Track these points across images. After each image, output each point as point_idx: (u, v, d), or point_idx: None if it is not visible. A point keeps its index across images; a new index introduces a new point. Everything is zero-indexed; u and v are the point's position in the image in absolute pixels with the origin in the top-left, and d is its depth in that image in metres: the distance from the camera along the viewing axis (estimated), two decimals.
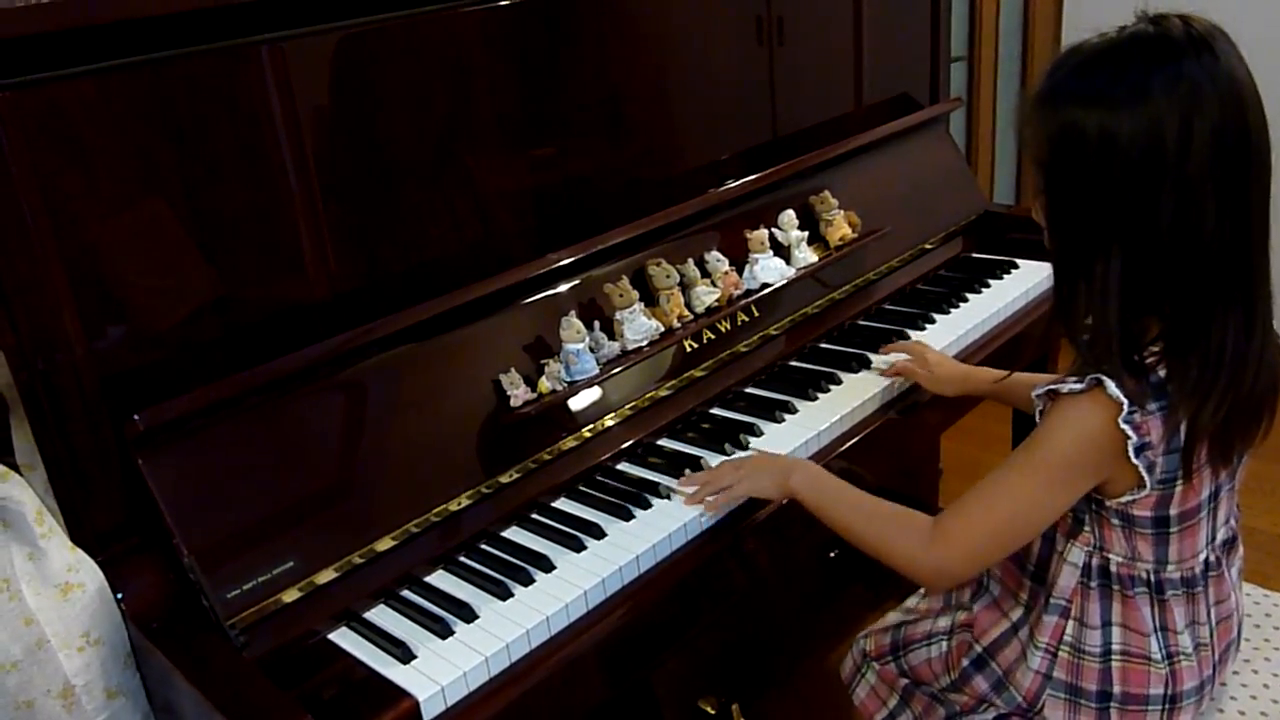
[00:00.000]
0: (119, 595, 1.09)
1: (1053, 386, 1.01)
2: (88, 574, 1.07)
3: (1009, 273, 1.86)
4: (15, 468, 1.11)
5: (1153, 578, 1.07)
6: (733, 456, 1.34)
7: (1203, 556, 1.08)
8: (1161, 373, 0.98)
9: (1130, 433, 0.97)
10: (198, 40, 1.11)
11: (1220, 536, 1.10)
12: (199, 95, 1.11)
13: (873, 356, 1.56)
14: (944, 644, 1.24)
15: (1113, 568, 1.08)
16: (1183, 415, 0.98)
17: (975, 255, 1.97)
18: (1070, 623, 1.10)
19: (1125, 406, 0.96)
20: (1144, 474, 0.99)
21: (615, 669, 1.16)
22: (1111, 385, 0.96)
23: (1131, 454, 0.97)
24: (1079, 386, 0.98)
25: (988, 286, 1.82)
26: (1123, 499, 1.03)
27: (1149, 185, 0.93)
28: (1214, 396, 0.96)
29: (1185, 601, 1.09)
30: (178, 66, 1.09)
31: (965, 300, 1.77)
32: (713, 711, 1.67)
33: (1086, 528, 1.08)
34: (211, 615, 1.04)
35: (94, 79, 1.04)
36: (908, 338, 1.62)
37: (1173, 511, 1.04)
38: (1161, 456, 0.99)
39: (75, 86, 1.02)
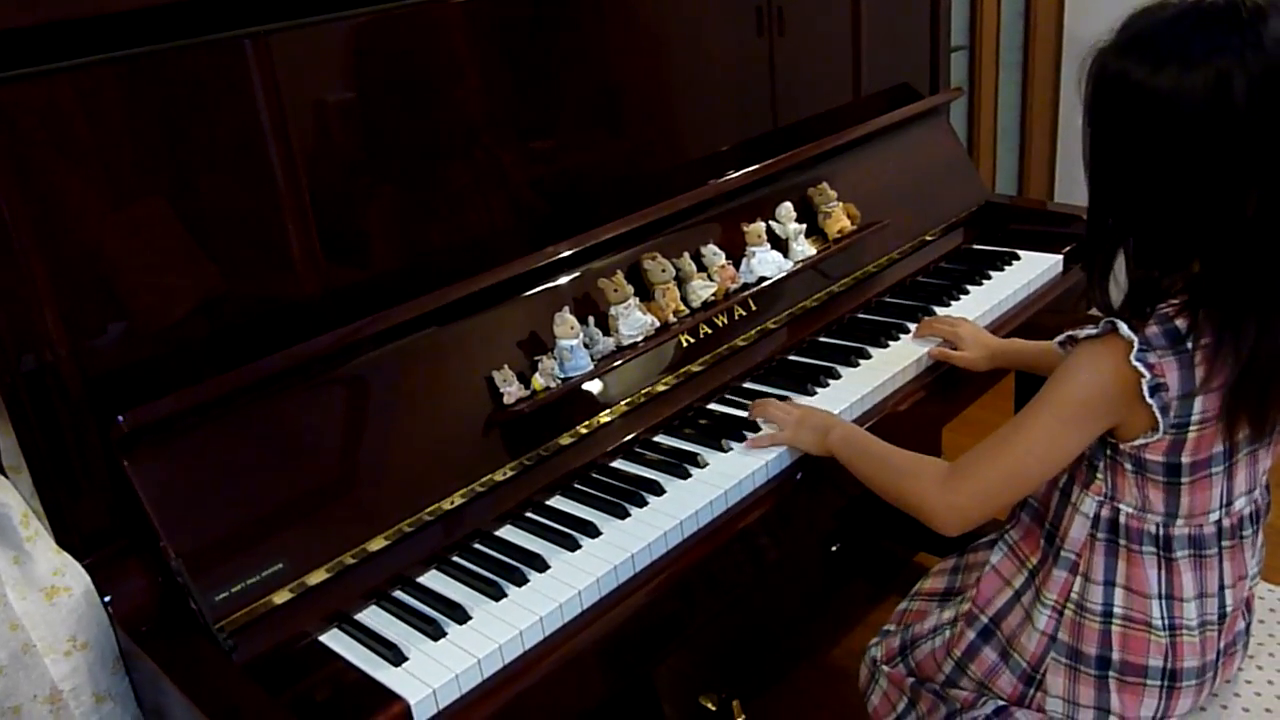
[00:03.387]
0: (106, 599, 1.07)
1: (1072, 333, 1.07)
2: (74, 577, 1.06)
3: (1010, 264, 1.84)
4: (1, 470, 1.09)
5: (1161, 531, 1.08)
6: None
7: (1214, 517, 1.08)
8: (1180, 323, 1.00)
9: (1143, 370, 0.99)
10: (183, 34, 1.09)
11: (1239, 505, 1.09)
12: (184, 90, 1.09)
13: (875, 350, 1.55)
14: (948, 631, 1.25)
15: (1122, 519, 1.09)
16: (1222, 356, 0.99)
17: (976, 247, 1.95)
18: (1077, 579, 1.12)
19: (1136, 345, 0.99)
20: (1157, 415, 1.01)
21: (612, 669, 1.15)
22: (1123, 326, 1.00)
23: (1146, 393, 1.00)
24: (1094, 331, 1.03)
25: (989, 278, 1.80)
26: (1136, 442, 1.04)
27: (1184, 136, 0.95)
28: (1250, 327, 0.98)
29: (1194, 566, 1.09)
30: (162, 61, 1.07)
31: (966, 292, 1.75)
32: (713, 708, 1.66)
33: (1100, 475, 1.09)
34: (200, 618, 1.03)
35: (79, 74, 1.02)
36: (908, 331, 1.61)
37: (1185, 460, 1.04)
38: (1176, 400, 1.01)
39: (59, 82, 1.01)
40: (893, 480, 1.18)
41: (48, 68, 1.00)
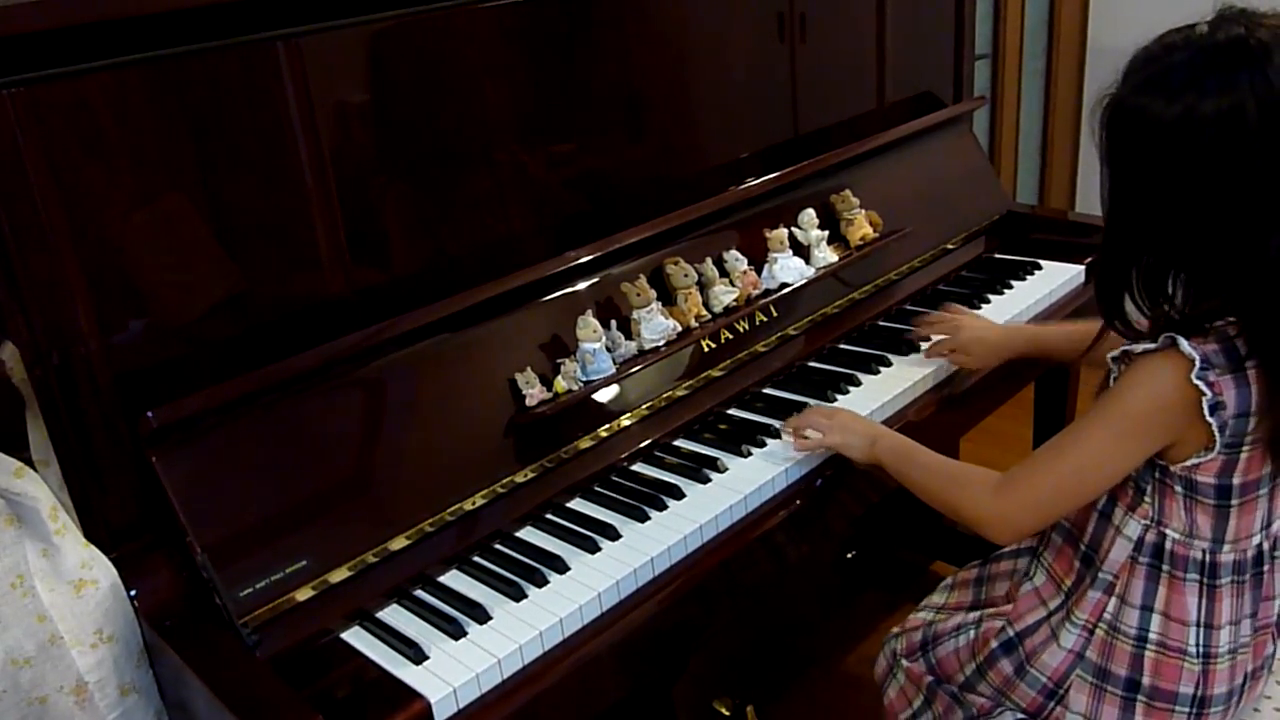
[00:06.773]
0: (132, 592, 1.09)
1: (1127, 348, 1.04)
2: (101, 571, 1.07)
3: (1032, 274, 1.84)
4: (30, 464, 1.11)
5: (1207, 558, 1.07)
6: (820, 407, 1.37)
7: (1256, 540, 1.08)
8: (1240, 344, 1.00)
9: (1204, 389, 0.98)
10: (215, 36, 1.11)
11: (1277, 526, 1.10)
12: (215, 91, 1.10)
13: (895, 358, 1.56)
14: (972, 632, 1.24)
15: (1168, 544, 1.08)
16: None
17: (998, 256, 1.95)
18: (1112, 600, 1.11)
19: (1197, 362, 0.98)
20: (1216, 433, 1.00)
21: (630, 671, 1.15)
22: (1185, 343, 0.99)
23: (1206, 411, 0.99)
24: (1153, 346, 1.01)
25: (1010, 287, 1.79)
26: (1188, 462, 1.04)
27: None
28: None
29: (1233, 592, 1.08)
30: (194, 62, 1.08)
31: (988, 301, 1.75)
32: (727, 713, 1.66)
33: (1147, 499, 1.08)
34: (224, 613, 1.04)
35: (110, 74, 1.03)
36: (929, 339, 1.60)
37: (1236, 481, 1.04)
38: (1232, 419, 1.00)
39: (90, 82, 1.02)
40: (945, 489, 1.17)
41: (83, 68, 1.02)
